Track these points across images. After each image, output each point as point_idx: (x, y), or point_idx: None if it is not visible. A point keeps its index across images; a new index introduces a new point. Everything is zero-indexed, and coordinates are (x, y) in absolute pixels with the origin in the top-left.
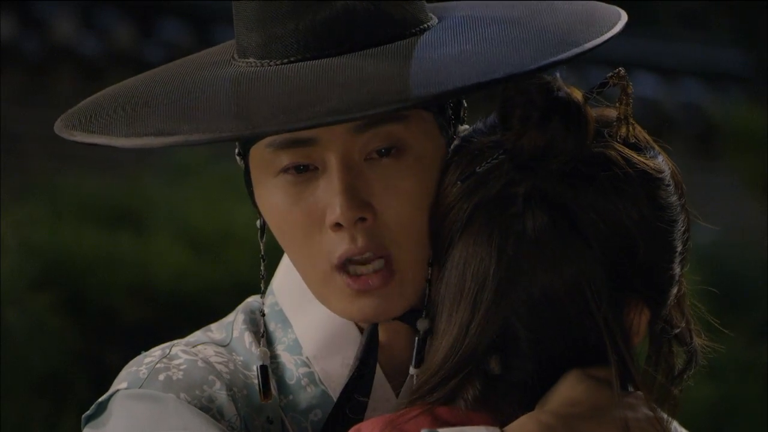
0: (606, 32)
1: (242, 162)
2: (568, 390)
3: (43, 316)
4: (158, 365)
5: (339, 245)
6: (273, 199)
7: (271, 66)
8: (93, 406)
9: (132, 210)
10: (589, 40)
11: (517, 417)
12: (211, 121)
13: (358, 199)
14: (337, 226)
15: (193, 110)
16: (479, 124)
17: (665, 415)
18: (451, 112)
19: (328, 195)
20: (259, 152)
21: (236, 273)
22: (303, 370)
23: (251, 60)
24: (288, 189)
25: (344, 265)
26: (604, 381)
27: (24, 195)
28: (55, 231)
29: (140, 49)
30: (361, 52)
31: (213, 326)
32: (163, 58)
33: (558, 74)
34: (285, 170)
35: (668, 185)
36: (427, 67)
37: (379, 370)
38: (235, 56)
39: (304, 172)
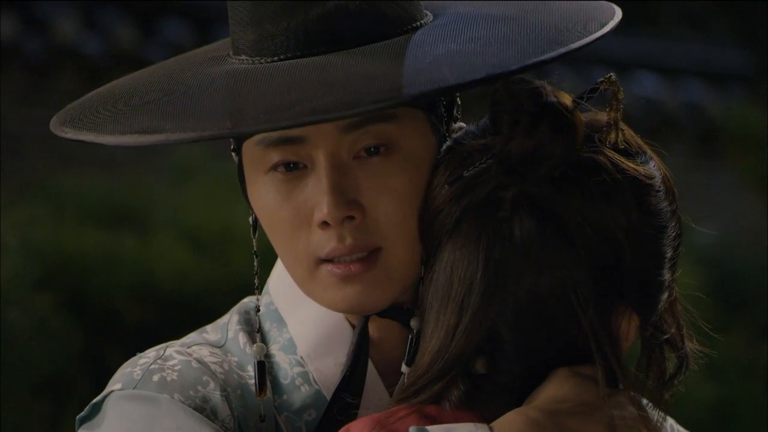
0: (596, 31)
1: (236, 157)
2: (556, 387)
3: (45, 316)
4: (152, 366)
5: (326, 244)
6: (263, 196)
7: (261, 63)
8: (87, 407)
9: (133, 210)
10: (578, 40)
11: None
12: (196, 119)
13: (345, 197)
14: (325, 224)
15: (180, 108)
16: (472, 127)
17: (656, 415)
18: (443, 110)
19: (317, 193)
20: (250, 149)
21: (238, 273)
22: (297, 369)
23: (243, 57)
24: (278, 186)
25: (330, 260)
26: (592, 379)
27: (25, 195)
28: (56, 231)
29: (142, 49)
30: (350, 50)
31: (208, 327)
32: (165, 58)
33: (550, 79)
34: (275, 168)
35: (658, 191)
36: (412, 67)
37: (373, 370)
38: (230, 53)
39: (294, 170)
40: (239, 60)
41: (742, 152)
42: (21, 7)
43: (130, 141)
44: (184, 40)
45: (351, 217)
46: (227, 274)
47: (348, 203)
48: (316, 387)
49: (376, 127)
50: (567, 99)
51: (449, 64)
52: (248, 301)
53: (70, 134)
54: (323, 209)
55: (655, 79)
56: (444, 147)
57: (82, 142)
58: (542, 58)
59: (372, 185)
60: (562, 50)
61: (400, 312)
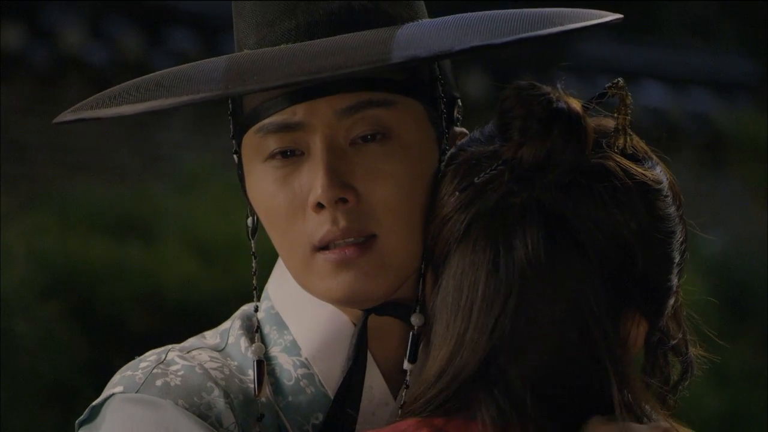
0: (594, 20)
1: (237, 158)
2: None
3: (52, 325)
4: (155, 370)
5: (320, 227)
6: (260, 185)
7: (263, 48)
8: (87, 410)
9: (140, 219)
10: (575, 23)
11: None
12: (191, 86)
13: (339, 179)
14: (319, 206)
15: (176, 81)
16: (476, 134)
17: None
18: (443, 107)
19: (312, 177)
20: (249, 140)
21: (244, 282)
22: (302, 371)
23: (246, 51)
24: (275, 174)
25: (325, 246)
26: (626, 425)
27: (32, 204)
28: (63, 240)
29: (148, 58)
30: (350, 34)
31: (207, 333)
32: (170, 67)
33: (559, 85)
34: (272, 156)
35: (666, 196)
36: (406, 37)
37: (377, 374)
38: (234, 51)
39: (291, 157)
40: (241, 52)
41: (749, 161)
42: (27, 16)
43: (127, 110)
44: (189, 50)
45: (345, 200)
46: (234, 284)
47: (342, 185)
48: (323, 389)
49: (373, 112)
50: (577, 104)
51: (444, 34)
52: (248, 307)
53: (69, 116)
54: (317, 190)
55: (662, 88)
56: (448, 154)
57: (82, 120)
58: (538, 33)
59: (367, 171)
60: (560, 28)
61: (399, 309)
